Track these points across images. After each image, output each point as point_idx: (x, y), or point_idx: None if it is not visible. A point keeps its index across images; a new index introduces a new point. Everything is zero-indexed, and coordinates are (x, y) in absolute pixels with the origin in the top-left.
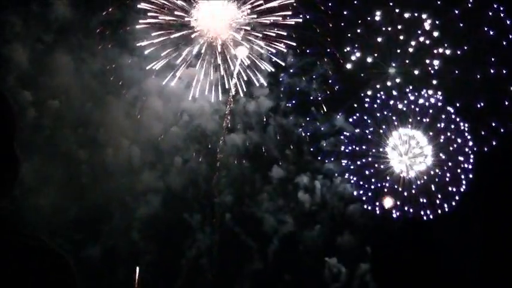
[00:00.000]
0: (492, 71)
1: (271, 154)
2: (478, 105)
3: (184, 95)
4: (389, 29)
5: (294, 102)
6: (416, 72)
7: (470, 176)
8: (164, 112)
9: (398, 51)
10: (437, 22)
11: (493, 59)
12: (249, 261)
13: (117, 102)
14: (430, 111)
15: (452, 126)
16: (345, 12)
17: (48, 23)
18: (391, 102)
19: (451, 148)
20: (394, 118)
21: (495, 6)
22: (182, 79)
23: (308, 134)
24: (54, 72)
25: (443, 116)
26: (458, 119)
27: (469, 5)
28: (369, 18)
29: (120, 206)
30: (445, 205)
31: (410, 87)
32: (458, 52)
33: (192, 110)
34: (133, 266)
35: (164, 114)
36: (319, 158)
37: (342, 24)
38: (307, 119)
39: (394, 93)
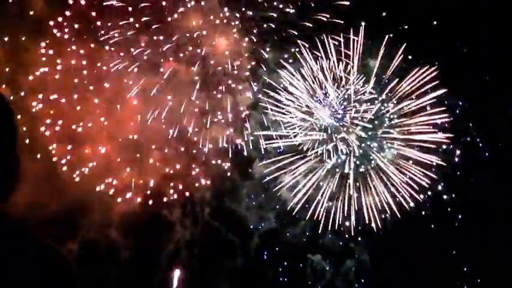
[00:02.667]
0: None
1: (252, 151)
2: None
3: (163, 91)
4: None
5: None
6: None
7: None
8: (144, 108)
9: None
10: None
11: None
12: (229, 257)
13: (95, 98)
14: None
15: None
16: None
17: (24, 19)
18: None
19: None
20: None
21: None
22: (162, 74)
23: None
24: (31, 69)
25: None
26: None
27: None
28: None
29: (99, 203)
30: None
31: None
32: None
33: (172, 106)
34: (112, 262)
35: (144, 110)
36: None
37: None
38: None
39: None
